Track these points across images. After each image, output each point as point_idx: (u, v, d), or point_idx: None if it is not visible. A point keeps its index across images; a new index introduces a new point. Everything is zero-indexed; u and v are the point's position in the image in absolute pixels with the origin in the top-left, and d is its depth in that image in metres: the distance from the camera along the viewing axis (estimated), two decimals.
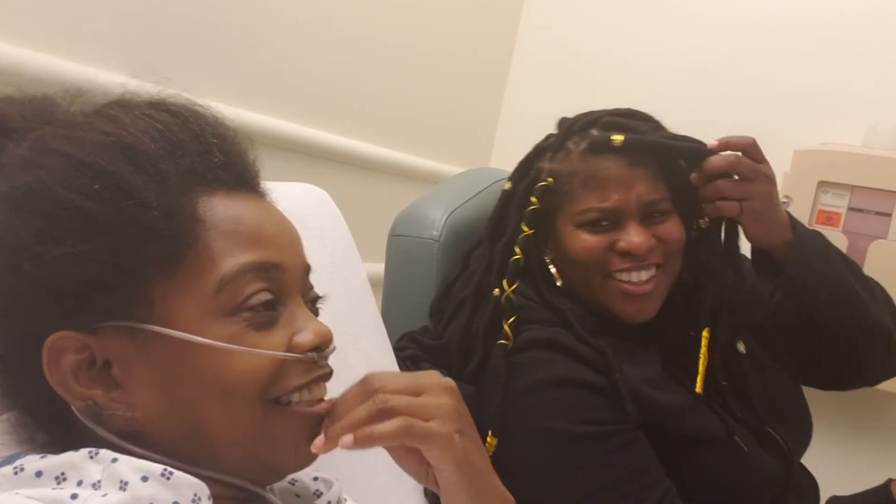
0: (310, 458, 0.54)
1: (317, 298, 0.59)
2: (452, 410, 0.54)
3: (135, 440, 0.50)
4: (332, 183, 1.09)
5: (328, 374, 0.55)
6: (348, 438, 0.51)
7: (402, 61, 1.60)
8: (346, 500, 0.63)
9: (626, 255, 0.91)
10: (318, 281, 0.93)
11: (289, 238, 0.56)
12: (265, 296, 0.52)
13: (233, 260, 0.51)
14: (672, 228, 0.93)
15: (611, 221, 0.92)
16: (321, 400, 0.55)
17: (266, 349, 0.51)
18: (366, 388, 0.53)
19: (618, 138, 0.91)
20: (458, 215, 1.12)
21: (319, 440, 0.52)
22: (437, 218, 1.10)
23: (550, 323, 0.92)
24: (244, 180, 0.55)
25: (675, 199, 0.94)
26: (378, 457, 0.88)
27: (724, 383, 0.95)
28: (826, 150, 1.46)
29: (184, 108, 0.55)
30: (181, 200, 0.50)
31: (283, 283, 0.53)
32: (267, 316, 0.52)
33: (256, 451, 0.52)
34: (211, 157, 0.53)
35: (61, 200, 0.48)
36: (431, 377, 0.56)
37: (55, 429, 0.51)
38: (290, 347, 0.52)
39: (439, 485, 0.56)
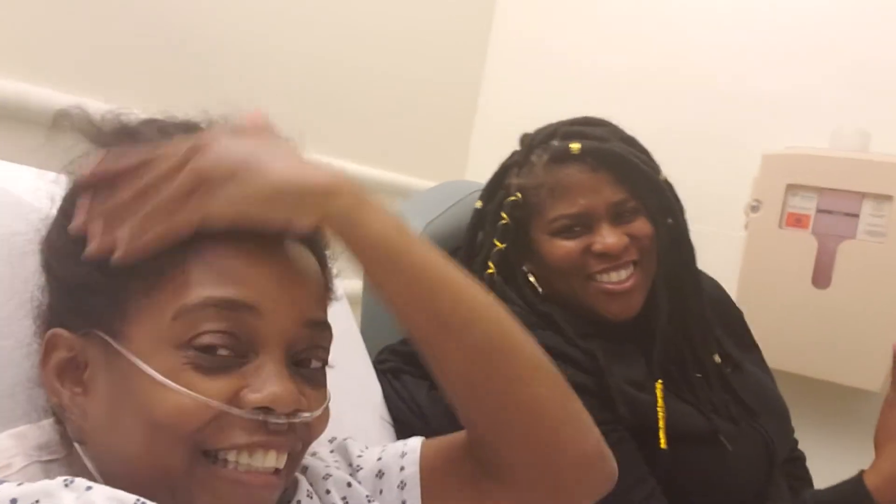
0: None
1: (316, 360, 0.54)
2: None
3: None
4: None
5: (279, 444, 0.50)
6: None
7: (375, 77, 1.61)
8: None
9: (603, 255, 0.94)
10: None
11: (283, 286, 0.51)
12: (218, 338, 0.48)
13: (200, 291, 0.49)
14: (642, 225, 0.97)
15: (583, 226, 0.95)
16: (275, 471, 0.50)
17: (200, 393, 0.47)
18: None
19: (575, 146, 0.95)
20: (436, 226, 1.12)
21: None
22: (414, 229, 1.10)
23: (539, 327, 0.93)
24: None
25: (639, 200, 0.97)
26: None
27: (698, 375, 0.98)
28: (794, 153, 1.48)
29: None
30: None
31: (256, 330, 0.50)
32: (217, 359, 0.48)
33: (176, 499, 0.48)
34: None
35: None
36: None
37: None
38: (235, 400, 0.48)
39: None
